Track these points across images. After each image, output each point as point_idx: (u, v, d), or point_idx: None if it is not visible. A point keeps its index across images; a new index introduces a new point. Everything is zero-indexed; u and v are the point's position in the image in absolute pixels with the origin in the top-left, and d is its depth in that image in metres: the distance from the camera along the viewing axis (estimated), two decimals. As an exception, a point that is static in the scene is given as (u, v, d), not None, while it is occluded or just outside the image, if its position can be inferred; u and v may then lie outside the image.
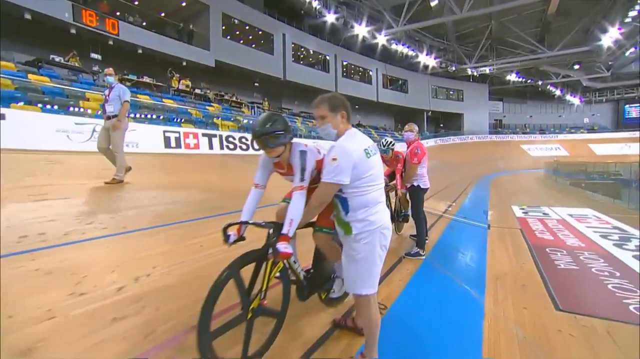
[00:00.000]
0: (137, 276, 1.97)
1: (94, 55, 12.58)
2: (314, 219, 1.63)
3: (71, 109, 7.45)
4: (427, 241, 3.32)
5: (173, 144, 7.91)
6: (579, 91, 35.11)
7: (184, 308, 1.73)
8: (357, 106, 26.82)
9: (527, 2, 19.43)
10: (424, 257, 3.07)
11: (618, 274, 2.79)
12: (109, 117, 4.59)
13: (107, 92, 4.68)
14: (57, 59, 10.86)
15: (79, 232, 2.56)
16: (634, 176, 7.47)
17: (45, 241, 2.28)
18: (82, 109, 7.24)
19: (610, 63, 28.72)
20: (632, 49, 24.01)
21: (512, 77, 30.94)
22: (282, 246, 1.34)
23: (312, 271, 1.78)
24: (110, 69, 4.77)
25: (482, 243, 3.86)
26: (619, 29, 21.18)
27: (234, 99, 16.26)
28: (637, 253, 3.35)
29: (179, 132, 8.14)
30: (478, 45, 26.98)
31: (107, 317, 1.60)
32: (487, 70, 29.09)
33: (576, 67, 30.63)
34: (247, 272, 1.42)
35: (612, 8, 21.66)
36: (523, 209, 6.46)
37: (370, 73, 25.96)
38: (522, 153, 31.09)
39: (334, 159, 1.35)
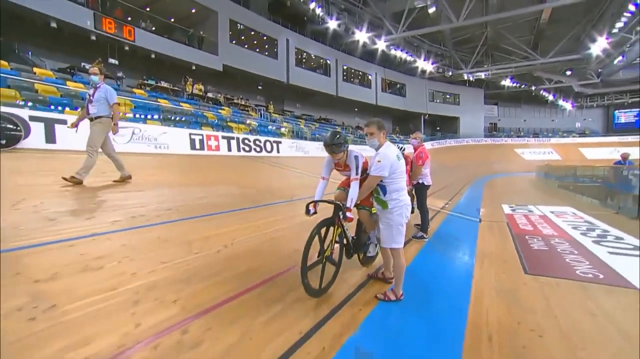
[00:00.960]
0: (225, 244, 2.72)
1: (111, 61, 13.24)
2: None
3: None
4: (428, 228, 4.11)
5: (197, 146, 8.66)
6: (571, 96, 36.30)
7: (264, 263, 2.50)
8: (356, 109, 27.70)
9: (520, 12, 20.40)
10: (427, 239, 3.86)
11: (576, 252, 3.59)
12: (92, 119, 4.29)
13: (91, 92, 4.33)
14: (87, 66, 11.55)
15: (171, 215, 3.33)
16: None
17: (148, 219, 3.06)
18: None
19: (599, 70, 29.88)
20: (620, 58, 25.12)
21: (507, 82, 31.98)
22: (348, 214, 2.14)
23: (354, 237, 2.55)
24: (96, 67, 4.32)
25: (474, 232, 4.65)
26: (607, 38, 22.27)
27: (242, 102, 16.98)
28: (596, 238, 4.17)
29: (202, 135, 8.88)
30: (474, 51, 28.00)
31: (215, 268, 2.35)
32: (482, 75, 30.11)
33: (568, 73, 31.76)
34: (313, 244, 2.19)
35: (600, 18, 22.76)
36: (512, 207, 7.28)
37: (370, 77, 26.82)
38: (516, 156, 32.06)
39: (379, 161, 2.13)
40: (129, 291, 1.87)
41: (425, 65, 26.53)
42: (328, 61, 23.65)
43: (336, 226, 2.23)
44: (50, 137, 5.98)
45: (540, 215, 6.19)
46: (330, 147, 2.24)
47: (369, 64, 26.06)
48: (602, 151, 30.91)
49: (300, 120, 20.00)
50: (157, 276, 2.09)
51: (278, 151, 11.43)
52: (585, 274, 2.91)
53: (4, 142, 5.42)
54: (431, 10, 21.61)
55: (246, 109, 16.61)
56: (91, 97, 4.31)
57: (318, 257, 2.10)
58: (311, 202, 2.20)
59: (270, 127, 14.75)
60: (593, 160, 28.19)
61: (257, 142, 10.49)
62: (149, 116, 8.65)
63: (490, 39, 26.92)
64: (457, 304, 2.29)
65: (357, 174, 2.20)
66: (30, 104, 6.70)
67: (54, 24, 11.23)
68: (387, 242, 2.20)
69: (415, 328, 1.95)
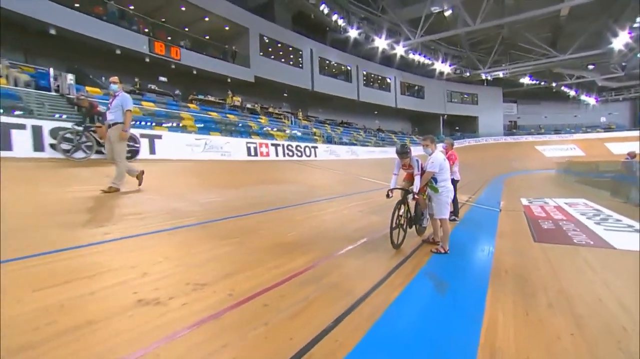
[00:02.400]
0: (314, 225, 3.97)
1: (161, 78, 14.99)
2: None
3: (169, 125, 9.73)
4: (458, 213, 5.21)
5: (252, 153, 10.08)
6: (594, 90, 35.59)
7: (345, 235, 3.72)
8: (376, 112, 28.69)
9: (538, 13, 20.82)
10: (457, 221, 4.97)
11: (578, 229, 4.59)
12: (109, 126, 4.45)
13: (110, 100, 4.56)
14: (152, 86, 13.37)
15: (261, 207, 4.62)
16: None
17: (244, 210, 4.35)
18: (182, 126, 9.50)
19: (623, 64, 29.44)
20: (645, 51, 24.88)
21: (526, 80, 31.97)
22: (415, 195, 3.33)
23: (414, 213, 3.75)
24: (115, 77, 4.59)
25: (495, 218, 5.70)
26: (629, 32, 22.27)
27: (276, 111, 18.44)
28: (598, 221, 5.14)
29: (256, 143, 10.31)
30: (491, 51, 28.32)
31: (319, 237, 3.58)
32: (500, 74, 30.34)
33: (590, 67, 31.40)
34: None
35: (622, 12, 22.74)
36: (529, 199, 8.19)
37: (389, 81, 27.78)
38: (536, 153, 31.94)
39: (432, 162, 3.33)
40: (285, 243, 3.14)
41: (442, 67, 27.20)
42: (349, 67, 24.82)
43: (405, 205, 3.41)
44: (152, 149, 7.53)
45: (555, 206, 7.09)
46: (401, 154, 3.45)
47: (387, 69, 27.02)
48: (631, 146, 30.28)
49: (325, 125, 21.26)
50: (292, 238, 3.37)
51: (315, 155, 12.75)
52: (579, 242, 3.94)
53: (129, 155, 6.95)
54: (447, 13, 22.34)
55: (279, 117, 18.05)
56: (109, 105, 4.53)
57: (394, 225, 3.29)
58: (390, 189, 3.40)
59: (300, 133, 16.08)
60: (620, 155, 27.77)
61: (299, 148, 11.84)
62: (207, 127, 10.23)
63: (507, 39, 27.22)
64: (483, 257, 3.41)
65: (418, 171, 3.37)
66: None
67: (118, 51, 13.05)
68: (437, 214, 3.38)
69: (457, 270, 3.08)
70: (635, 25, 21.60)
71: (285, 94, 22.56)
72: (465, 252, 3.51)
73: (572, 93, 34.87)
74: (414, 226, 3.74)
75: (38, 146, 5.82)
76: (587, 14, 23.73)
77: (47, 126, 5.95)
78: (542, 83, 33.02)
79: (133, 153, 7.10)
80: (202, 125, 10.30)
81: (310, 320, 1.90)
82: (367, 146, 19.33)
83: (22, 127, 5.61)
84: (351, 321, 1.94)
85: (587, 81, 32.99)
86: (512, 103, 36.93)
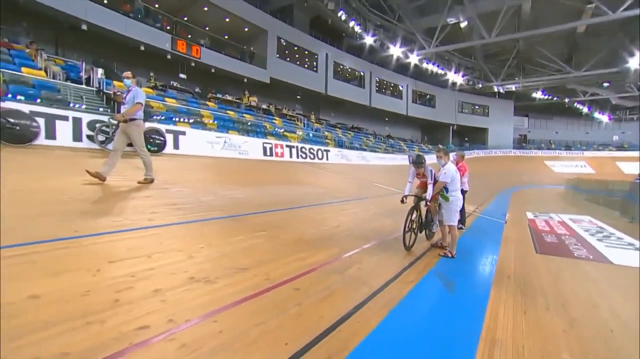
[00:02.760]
0: (336, 225, 4.28)
1: (181, 75, 15.50)
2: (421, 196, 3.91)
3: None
4: (465, 222, 5.47)
5: (268, 153, 10.46)
6: (608, 108, 35.33)
7: (364, 234, 4.02)
8: (386, 119, 28.94)
9: (554, 29, 20.93)
10: (464, 229, 5.23)
11: (579, 244, 4.83)
12: (125, 121, 4.48)
13: (125, 94, 4.62)
14: (174, 83, 13.89)
15: (282, 205, 4.95)
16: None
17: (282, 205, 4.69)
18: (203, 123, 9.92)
19: (639, 83, 29.24)
20: (661, 72, 24.75)
21: (538, 94, 31.91)
22: (428, 202, 3.62)
23: (425, 219, 4.02)
24: (129, 72, 4.65)
25: (500, 228, 5.94)
26: (646, 53, 22.22)
27: (290, 113, 18.84)
28: (600, 238, 5.35)
29: (271, 144, 10.69)
30: (505, 63, 28.36)
31: (342, 234, 3.89)
32: (513, 87, 30.36)
33: (605, 85, 31.23)
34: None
35: (639, 33, 22.69)
36: (535, 214, 8.39)
37: (401, 88, 28.02)
38: (545, 169, 31.81)
39: (445, 173, 3.61)
40: (308, 238, 3.46)
41: (455, 77, 27.37)
42: (362, 73, 25.16)
43: (417, 211, 3.71)
44: (176, 145, 7.93)
45: (559, 221, 7.30)
46: (416, 164, 3.75)
47: (400, 76, 27.29)
48: None
49: (337, 129, 21.60)
50: (314, 235, 3.68)
51: (327, 159, 13.08)
52: (579, 256, 4.19)
53: (155, 149, 7.35)
54: (463, 24, 22.54)
55: (293, 118, 18.44)
56: (124, 100, 4.59)
57: (407, 228, 3.58)
58: (405, 196, 3.70)
59: (312, 134, 16.45)
60: (631, 175, 27.47)
61: (312, 151, 12.19)
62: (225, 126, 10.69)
63: (522, 52, 27.26)
64: (488, 264, 3.68)
65: (431, 180, 3.66)
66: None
67: (142, 48, 13.58)
68: (447, 221, 3.66)
69: (463, 273, 3.36)
70: (653, 45, 21.54)
71: (298, 96, 22.96)
72: (471, 258, 3.79)
73: (585, 110, 34.68)
74: (424, 231, 4.02)
75: (77, 136, 6.26)
76: (604, 32, 23.70)
77: (85, 118, 6.40)
78: (555, 98, 32.91)
79: (160, 147, 7.50)
80: (221, 123, 10.72)
81: (337, 304, 2.21)
82: (377, 151, 19.59)
83: (65, 118, 6.07)
84: (371, 307, 2.24)
85: (601, 99, 32.78)
86: (524, 117, 36.83)
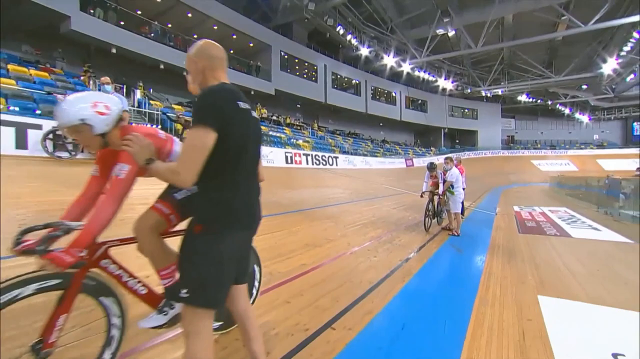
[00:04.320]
0: (371, 215, 5.60)
1: (197, 90, 16.71)
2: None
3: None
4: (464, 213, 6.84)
5: (289, 161, 11.76)
6: (587, 109, 37.52)
7: (389, 223, 5.36)
8: (381, 124, 30.50)
9: (533, 39, 22.82)
10: (464, 218, 6.60)
11: (550, 225, 6.25)
12: None
13: None
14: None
15: (327, 202, 6.25)
16: (603, 186, 10.65)
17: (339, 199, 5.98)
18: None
19: (613, 86, 31.50)
20: (632, 76, 26.95)
21: (523, 97, 33.92)
22: (440, 196, 4.99)
23: (436, 208, 5.37)
24: (107, 77, 4.59)
25: (492, 219, 7.35)
26: (617, 59, 24.29)
27: (296, 122, 20.17)
28: (568, 221, 6.81)
29: (292, 153, 12.01)
30: (491, 69, 30.30)
31: (380, 221, 5.21)
32: (499, 91, 32.32)
33: (584, 87, 33.34)
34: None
35: (610, 41, 24.82)
36: (520, 207, 9.86)
37: (394, 95, 29.67)
38: (532, 168, 33.64)
39: (451, 174, 5.00)
40: (359, 224, 4.77)
41: (445, 84, 29.12)
42: (358, 82, 26.71)
43: (432, 202, 5.07)
44: None
45: (540, 212, 8.76)
46: (430, 170, 5.13)
47: (394, 84, 28.93)
48: (621, 163, 30.82)
49: (336, 135, 22.99)
50: (362, 222, 5.01)
51: (336, 164, 14.46)
52: (549, 233, 5.60)
53: None
54: (451, 34, 24.20)
55: (299, 128, 19.78)
56: None
57: (426, 215, 4.92)
58: (423, 192, 5.03)
59: (317, 142, 17.82)
60: (611, 171, 29.29)
61: (324, 158, 13.55)
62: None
63: (506, 59, 29.21)
64: (484, 239, 5.05)
65: (441, 180, 5.02)
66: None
67: (162, 66, 14.79)
68: (453, 209, 5.03)
69: (467, 245, 4.69)
70: (622, 53, 23.62)
71: (298, 105, 24.33)
72: (472, 236, 5.15)
73: (567, 111, 36.83)
74: (436, 218, 5.39)
75: None
76: (579, 40, 25.68)
77: None
78: (539, 101, 34.97)
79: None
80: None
81: (396, 257, 3.56)
82: (377, 156, 21.06)
83: None
84: (409, 264, 3.56)
85: (580, 100, 34.88)
86: (511, 118, 38.86)
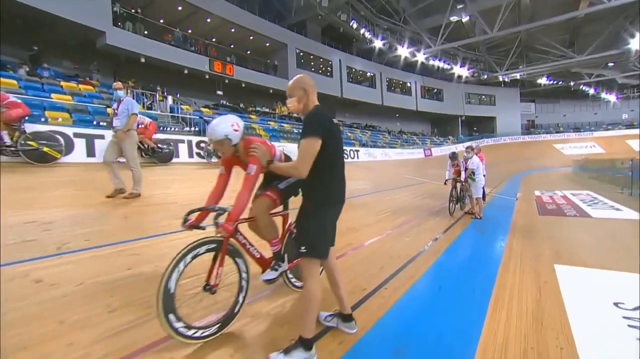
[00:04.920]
0: (394, 204, 6.10)
1: (218, 92, 17.52)
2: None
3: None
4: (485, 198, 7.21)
5: None
6: (615, 88, 35.86)
7: (415, 209, 5.84)
8: (397, 115, 30.52)
9: (552, 20, 22.17)
10: (485, 203, 6.98)
11: (571, 207, 6.53)
12: (116, 132, 4.42)
13: (115, 105, 4.52)
14: (223, 102, 15.94)
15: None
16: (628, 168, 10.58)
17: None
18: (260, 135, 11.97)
19: (642, 62, 29.93)
20: (662, 50, 25.59)
21: (543, 80, 32.87)
22: (462, 182, 5.44)
23: (459, 194, 5.82)
24: (119, 82, 4.65)
25: (512, 203, 7.67)
26: (646, 33, 23.18)
27: None
28: (589, 203, 7.04)
29: None
30: (508, 53, 29.45)
31: (412, 206, 5.71)
32: (517, 76, 31.47)
33: (610, 65, 31.91)
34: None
35: (638, 15, 23.64)
36: (541, 191, 10.03)
37: (410, 85, 29.57)
38: (554, 152, 32.67)
39: (472, 162, 5.45)
40: (389, 211, 5.30)
41: (461, 71, 28.73)
42: (373, 74, 26.82)
43: (455, 189, 5.51)
44: None
45: (562, 195, 8.94)
46: (452, 159, 5.55)
47: (409, 74, 28.82)
48: None
49: (354, 129, 23.36)
50: (390, 209, 5.53)
51: (358, 157, 14.93)
52: (569, 214, 5.91)
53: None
54: (465, 19, 23.79)
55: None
56: (115, 111, 4.47)
57: (450, 201, 5.38)
58: (446, 180, 5.48)
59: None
60: (641, 152, 27.96)
61: (346, 151, 14.06)
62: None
63: (524, 42, 28.33)
64: (505, 221, 5.45)
65: (463, 168, 5.44)
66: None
67: (186, 71, 15.61)
68: (475, 194, 5.46)
69: (490, 227, 5.12)
70: (652, 26, 22.50)
71: (315, 101, 24.76)
72: (493, 219, 5.57)
73: (592, 91, 35.33)
74: (459, 203, 5.82)
75: (191, 153, 8.27)
76: (604, 16, 24.55)
77: (194, 140, 8.42)
78: (560, 83, 33.72)
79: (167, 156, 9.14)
80: (271, 134, 12.70)
81: (425, 237, 4.06)
82: (395, 148, 21.31)
83: (182, 141, 8.09)
84: (438, 243, 4.05)
85: (607, 79, 33.38)
86: (530, 102, 37.77)
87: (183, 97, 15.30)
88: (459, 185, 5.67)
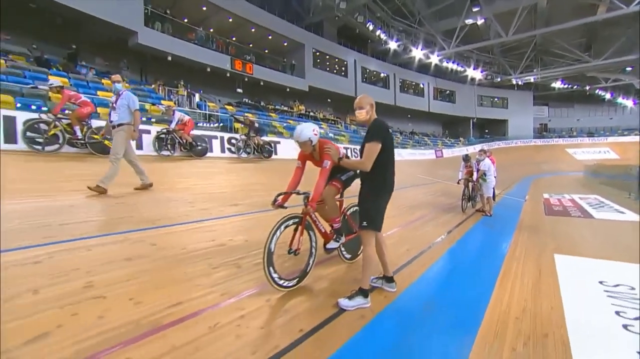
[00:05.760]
0: (412, 202, 6.68)
1: (238, 90, 18.24)
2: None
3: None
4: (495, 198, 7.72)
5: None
6: (632, 92, 35.32)
7: (430, 205, 6.41)
8: (409, 115, 30.85)
9: (569, 25, 22.18)
10: (495, 203, 7.50)
11: (576, 209, 7.00)
12: (114, 126, 4.31)
13: (114, 99, 4.38)
14: (246, 99, 16.70)
15: None
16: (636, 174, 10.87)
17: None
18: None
19: (662, 68, 29.47)
20: (682, 57, 25.27)
21: (557, 84, 32.60)
22: (474, 182, 5.99)
23: (471, 193, 6.37)
24: (118, 75, 4.53)
25: (520, 205, 8.15)
26: (665, 38, 22.92)
27: (331, 117, 21.33)
28: (595, 206, 7.48)
29: (340, 147, 13.26)
30: (523, 56, 29.35)
31: (425, 203, 6.29)
32: (531, 79, 31.34)
33: (628, 69, 31.49)
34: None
35: (658, 19, 23.37)
36: (550, 194, 10.44)
37: (422, 86, 29.86)
38: (566, 156, 32.40)
39: (484, 164, 5.98)
40: (407, 207, 5.89)
41: (474, 73, 28.87)
42: (387, 75, 27.21)
43: (468, 188, 6.07)
44: (275, 151, 10.58)
45: (569, 199, 9.36)
46: (465, 160, 6.09)
47: (421, 75, 29.11)
48: None
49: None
50: (409, 205, 6.11)
51: (372, 156, 15.48)
52: (574, 215, 6.39)
53: (267, 155, 9.98)
54: (480, 22, 23.92)
55: (334, 122, 20.90)
56: (114, 105, 4.34)
57: (462, 198, 5.93)
58: (459, 180, 6.03)
59: (352, 136, 18.84)
60: (655, 159, 27.63)
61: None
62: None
63: (539, 45, 28.16)
64: (513, 219, 5.97)
65: (476, 169, 5.98)
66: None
67: (208, 69, 16.34)
68: (485, 193, 5.99)
69: (499, 223, 5.66)
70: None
71: (328, 100, 25.33)
72: (502, 217, 6.11)
73: (608, 96, 34.85)
74: (470, 201, 6.37)
75: (223, 149, 9.04)
76: (622, 20, 24.32)
77: (225, 136, 9.18)
78: (575, 87, 33.42)
79: (270, 153, 10.08)
80: (291, 132, 13.38)
81: (437, 231, 4.64)
82: (407, 148, 21.76)
83: (215, 138, 8.85)
84: (452, 235, 4.62)
85: (624, 84, 32.91)
86: (543, 106, 37.50)
87: (206, 95, 16.04)
88: (470, 184, 6.22)
